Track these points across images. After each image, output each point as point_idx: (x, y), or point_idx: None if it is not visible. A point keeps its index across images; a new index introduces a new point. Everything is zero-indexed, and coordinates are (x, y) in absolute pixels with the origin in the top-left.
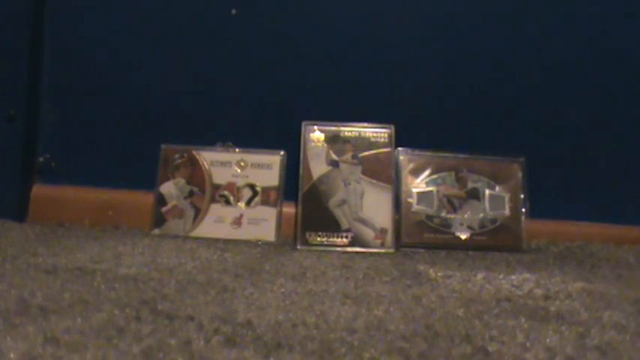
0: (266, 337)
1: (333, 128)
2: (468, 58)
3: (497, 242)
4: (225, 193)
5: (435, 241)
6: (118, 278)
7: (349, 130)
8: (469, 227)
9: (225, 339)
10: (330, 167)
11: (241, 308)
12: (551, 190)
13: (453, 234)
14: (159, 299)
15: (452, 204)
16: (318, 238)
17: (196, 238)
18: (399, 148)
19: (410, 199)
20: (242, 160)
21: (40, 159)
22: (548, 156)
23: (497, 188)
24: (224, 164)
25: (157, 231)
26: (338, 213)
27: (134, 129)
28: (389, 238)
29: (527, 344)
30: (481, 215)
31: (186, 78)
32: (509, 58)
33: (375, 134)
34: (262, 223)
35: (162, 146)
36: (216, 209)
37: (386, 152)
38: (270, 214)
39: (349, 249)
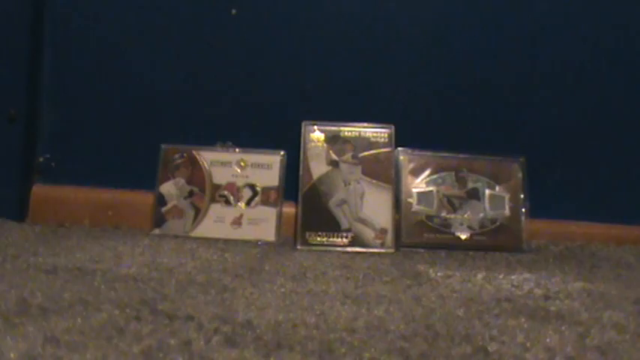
0: (266, 337)
1: (333, 128)
2: (468, 58)
3: (497, 242)
4: (225, 193)
5: (435, 241)
6: (118, 278)
7: (349, 130)
8: (469, 227)
9: (225, 339)
10: (330, 167)
11: (241, 308)
12: (551, 190)
13: (453, 234)
14: (159, 299)
15: (452, 204)
16: (318, 238)
17: (196, 238)
18: (399, 148)
19: (410, 199)
20: (242, 160)
21: (40, 159)
22: (548, 156)
23: (497, 188)
24: (224, 164)
25: (157, 231)
26: (338, 213)
27: (134, 129)
28: (389, 238)
29: (527, 344)
30: (481, 215)
31: (187, 78)
32: (509, 58)
33: (375, 134)
34: (262, 223)
35: (162, 146)
36: (216, 209)
37: (386, 152)
38: (270, 214)
39: (349, 249)
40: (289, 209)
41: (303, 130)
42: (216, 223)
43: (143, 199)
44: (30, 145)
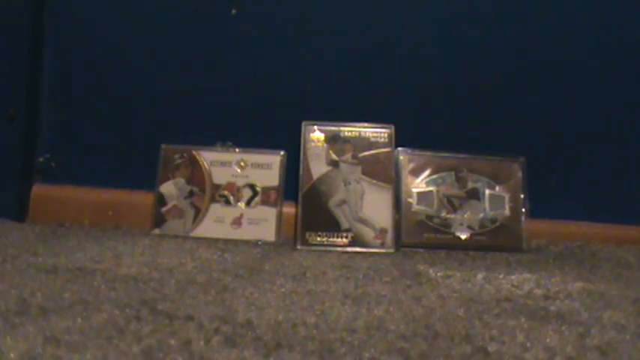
0: (266, 337)
1: (333, 128)
2: (468, 58)
3: (497, 242)
4: (225, 193)
5: (435, 241)
6: (118, 278)
7: (349, 130)
8: (469, 227)
9: (225, 339)
10: (330, 167)
11: (241, 308)
12: (551, 190)
13: (453, 234)
14: (159, 299)
15: (452, 204)
16: (318, 238)
17: (196, 238)
18: (399, 148)
19: (410, 199)
20: (242, 160)
21: (40, 159)
22: (548, 156)
23: (497, 188)
24: (224, 164)
25: (157, 231)
26: (338, 213)
27: (134, 129)
28: (389, 238)
29: (527, 344)
30: (481, 215)
31: (187, 78)
32: (509, 58)
33: (375, 134)
34: (262, 223)
35: (162, 146)
36: (216, 209)
37: (386, 152)
38: (270, 214)
39: (349, 249)
40: (289, 209)
41: (303, 130)
42: (216, 223)
43: (143, 199)
44: (30, 145)
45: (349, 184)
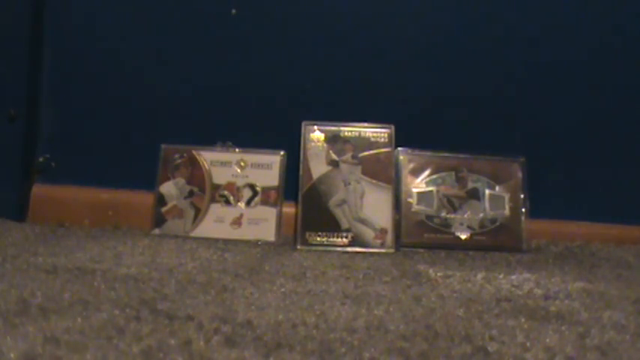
0: (266, 337)
1: (333, 128)
2: (468, 58)
3: (497, 242)
4: (225, 193)
5: (435, 241)
6: (118, 278)
7: (349, 130)
8: (469, 227)
9: (225, 339)
10: (330, 167)
11: (241, 308)
12: (551, 190)
13: (453, 234)
14: (159, 299)
15: (452, 204)
16: (318, 238)
17: (196, 238)
18: (399, 148)
19: (410, 199)
20: (242, 160)
21: (40, 159)
22: (548, 156)
23: (497, 188)
24: (224, 164)
25: (157, 231)
26: (338, 213)
27: (134, 129)
28: (389, 238)
29: (527, 344)
30: (481, 215)
31: (187, 78)
32: (509, 58)
33: (375, 134)
34: (262, 223)
35: (162, 146)
36: (216, 209)
37: (386, 152)
38: (270, 214)
39: (349, 249)
40: (289, 209)
41: (303, 130)
42: (216, 223)
43: (143, 199)
44: (30, 145)
45: (349, 184)
